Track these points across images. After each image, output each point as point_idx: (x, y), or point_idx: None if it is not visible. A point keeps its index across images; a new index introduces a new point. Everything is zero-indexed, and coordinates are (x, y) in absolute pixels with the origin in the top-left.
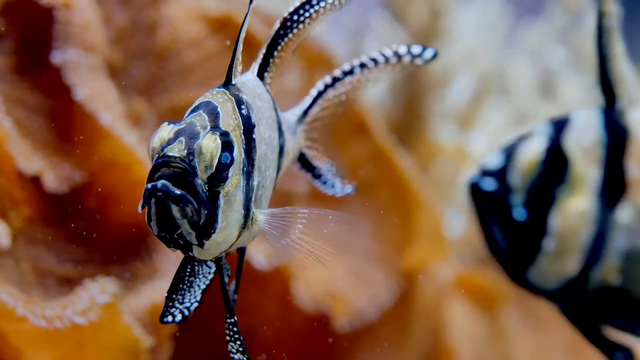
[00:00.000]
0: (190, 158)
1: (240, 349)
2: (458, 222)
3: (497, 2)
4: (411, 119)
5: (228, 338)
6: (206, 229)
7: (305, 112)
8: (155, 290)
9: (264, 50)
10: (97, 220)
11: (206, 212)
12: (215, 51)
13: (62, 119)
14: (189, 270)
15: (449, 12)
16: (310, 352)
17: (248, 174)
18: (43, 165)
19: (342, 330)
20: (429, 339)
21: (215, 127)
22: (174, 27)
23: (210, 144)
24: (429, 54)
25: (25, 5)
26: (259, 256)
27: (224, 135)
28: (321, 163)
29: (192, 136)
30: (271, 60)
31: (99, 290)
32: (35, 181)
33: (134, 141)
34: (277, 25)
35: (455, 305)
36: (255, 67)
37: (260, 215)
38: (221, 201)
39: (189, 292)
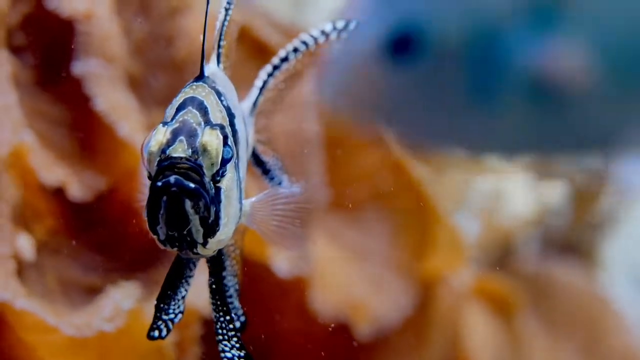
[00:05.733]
0: (196, 157)
1: (237, 345)
2: (472, 226)
3: None
4: None
5: (220, 337)
6: (212, 227)
7: (254, 103)
8: None
9: (216, 40)
10: (120, 229)
11: (214, 209)
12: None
13: (83, 130)
14: (177, 274)
15: None
16: None
17: (237, 167)
18: (66, 175)
19: (362, 339)
20: (447, 347)
21: (208, 121)
22: (191, 38)
23: (214, 140)
24: (351, 26)
25: (45, 17)
26: (280, 263)
27: (222, 129)
28: (268, 157)
29: (191, 134)
30: (221, 50)
31: (123, 295)
32: (58, 192)
33: None
34: (222, 15)
35: (473, 312)
36: (214, 58)
37: (247, 205)
38: (222, 197)
39: (174, 300)
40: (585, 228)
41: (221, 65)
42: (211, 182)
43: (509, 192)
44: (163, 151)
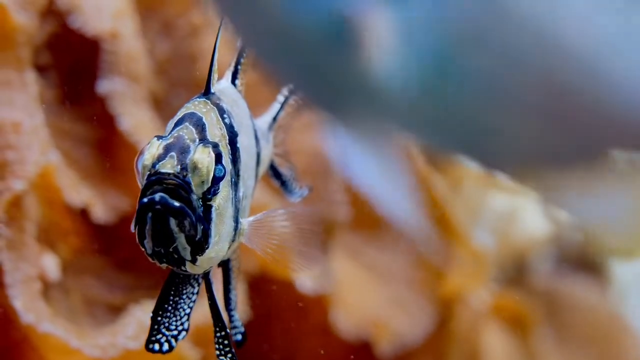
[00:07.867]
0: (184, 174)
1: None
2: (487, 244)
3: None
4: None
5: (218, 352)
6: (200, 245)
7: (274, 118)
8: (200, 312)
9: (235, 57)
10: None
11: (202, 227)
12: (254, 81)
13: (108, 149)
14: (173, 289)
15: None
16: None
17: (235, 185)
18: (91, 196)
19: (383, 356)
20: None
21: (203, 139)
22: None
23: (205, 158)
24: None
25: (70, 36)
26: (304, 280)
27: (216, 147)
28: (285, 170)
29: (183, 150)
30: (239, 67)
31: (146, 313)
32: (83, 211)
33: None
34: None
35: (491, 330)
36: (228, 74)
37: (245, 224)
38: (213, 215)
39: (175, 315)
40: (599, 245)
41: (238, 82)
42: (200, 200)
43: (524, 210)
44: (153, 165)
